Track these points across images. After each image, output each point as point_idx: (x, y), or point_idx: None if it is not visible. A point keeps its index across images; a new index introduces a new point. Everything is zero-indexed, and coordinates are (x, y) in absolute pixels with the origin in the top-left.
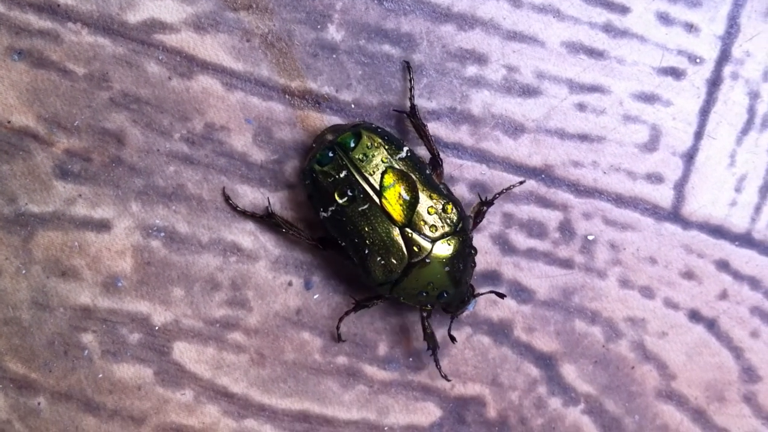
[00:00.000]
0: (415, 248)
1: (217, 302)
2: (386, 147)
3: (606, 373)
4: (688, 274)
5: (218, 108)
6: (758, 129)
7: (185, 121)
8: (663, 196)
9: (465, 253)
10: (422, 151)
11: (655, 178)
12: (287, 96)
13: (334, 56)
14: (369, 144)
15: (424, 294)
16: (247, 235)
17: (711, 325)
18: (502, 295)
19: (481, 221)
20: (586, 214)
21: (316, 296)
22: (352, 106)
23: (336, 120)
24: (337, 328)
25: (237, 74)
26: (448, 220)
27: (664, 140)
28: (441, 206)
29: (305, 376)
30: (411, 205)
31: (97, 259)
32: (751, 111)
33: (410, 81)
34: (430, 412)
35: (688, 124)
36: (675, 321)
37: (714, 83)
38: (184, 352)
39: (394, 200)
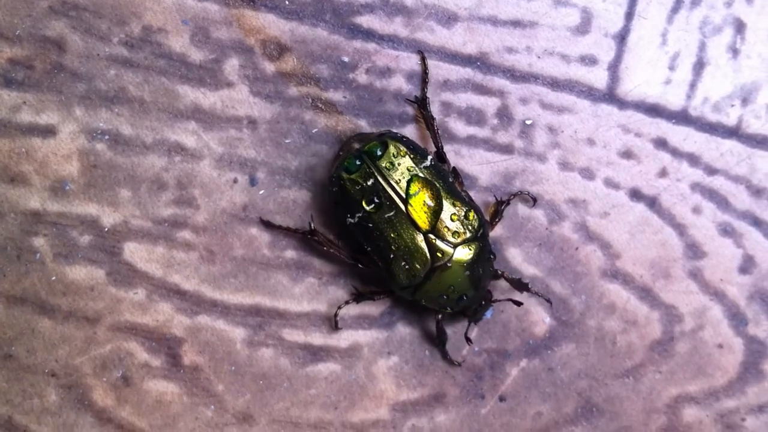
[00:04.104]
0: (438, 254)
1: (164, 202)
2: (411, 156)
3: (551, 255)
4: (627, 154)
5: (154, 11)
6: (688, 7)
7: (123, 25)
8: (597, 77)
9: (484, 258)
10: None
11: (588, 61)
12: None
13: None
14: (395, 152)
15: (445, 297)
16: (190, 135)
17: (652, 203)
18: (519, 303)
19: (499, 221)
20: (523, 99)
21: (261, 192)
22: (286, 2)
23: (271, 17)
24: (335, 315)
25: None
26: (469, 227)
27: (595, 22)
28: (463, 213)
29: (255, 270)
30: (435, 212)
31: (44, 164)
32: None
33: (425, 74)
34: (380, 302)
35: (618, 5)
36: (616, 200)
37: None
38: (134, 252)
39: (419, 207)
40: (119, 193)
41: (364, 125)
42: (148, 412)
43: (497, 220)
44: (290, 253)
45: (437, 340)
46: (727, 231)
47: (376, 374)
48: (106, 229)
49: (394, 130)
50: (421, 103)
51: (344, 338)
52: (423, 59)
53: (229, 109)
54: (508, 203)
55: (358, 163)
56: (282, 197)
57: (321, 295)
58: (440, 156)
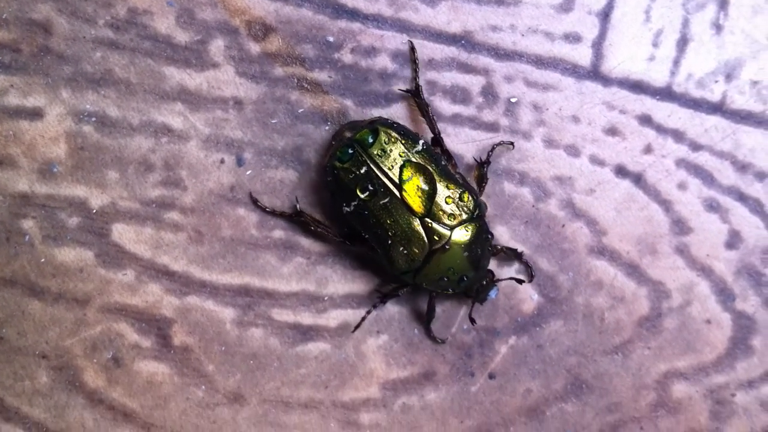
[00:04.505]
0: (435, 237)
1: (152, 183)
2: (403, 141)
3: (537, 233)
4: (612, 131)
5: None
6: None
7: (109, 7)
8: (582, 55)
9: (482, 238)
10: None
11: (572, 38)
12: None
13: None
14: (386, 139)
15: (446, 279)
16: (176, 116)
17: (638, 179)
18: (521, 281)
19: (486, 183)
20: (508, 77)
21: (248, 172)
22: None
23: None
24: (363, 318)
25: None
26: (465, 208)
27: (579, 0)
28: (458, 195)
29: (243, 251)
30: (429, 196)
31: (32, 147)
32: None
33: (415, 62)
34: (368, 280)
35: None
36: (602, 177)
37: None
38: (122, 233)
39: (413, 192)
40: (107, 174)
41: (350, 105)
42: (139, 393)
43: (484, 183)
44: (278, 233)
45: (425, 317)
46: (712, 206)
47: (365, 353)
48: (95, 211)
49: (385, 116)
50: (415, 92)
51: (333, 317)
52: (412, 49)
53: (215, 89)
54: (489, 162)
55: (350, 152)
56: (269, 177)
57: (309, 275)
58: (437, 142)
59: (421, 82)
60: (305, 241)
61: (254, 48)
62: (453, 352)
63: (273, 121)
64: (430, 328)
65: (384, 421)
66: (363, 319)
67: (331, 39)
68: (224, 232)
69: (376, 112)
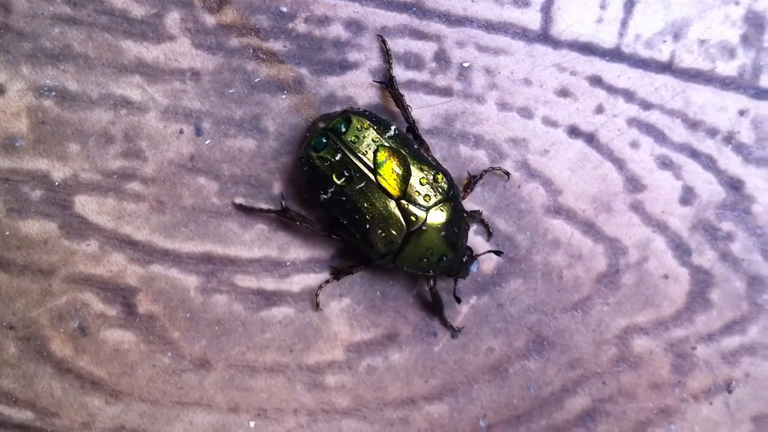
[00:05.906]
0: (412, 218)
1: (113, 154)
2: (375, 127)
3: (494, 194)
4: (563, 92)
5: None
6: None
7: None
8: (531, 19)
9: (458, 217)
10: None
11: (521, 3)
12: None
13: None
14: (359, 126)
15: (425, 260)
16: (135, 88)
17: (590, 139)
18: (499, 253)
19: (471, 191)
20: (460, 42)
21: (207, 142)
22: None
23: None
24: (316, 295)
25: None
26: (439, 189)
27: None
28: (432, 177)
29: (205, 219)
30: (404, 179)
31: None
32: None
33: (387, 54)
34: (330, 245)
35: None
36: (555, 138)
37: None
38: (85, 204)
39: (388, 175)
40: (68, 147)
41: (305, 73)
42: (107, 361)
43: (470, 190)
44: (239, 201)
45: (435, 306)
46: (665, 164)
47: (329, 316)
48: (57, 183)
49: (339, 83)
50: (389, 83)
51: (296, 282)
52: (383, 42)
53: (172, 61)
54: (481, 177)
55: (324, 140)
56: (228, 146)
57: (271, 241)
58: (412, 131)
59: (375, 49)
60: (266, 208)
61: (209, 20)
62: (415, 313)
63: (230, 91)
64: (444, 317)
65: (349, 382)
66: (317, 295)
67: (284, 9)
68: (185, 201)
69: (331, 81)
